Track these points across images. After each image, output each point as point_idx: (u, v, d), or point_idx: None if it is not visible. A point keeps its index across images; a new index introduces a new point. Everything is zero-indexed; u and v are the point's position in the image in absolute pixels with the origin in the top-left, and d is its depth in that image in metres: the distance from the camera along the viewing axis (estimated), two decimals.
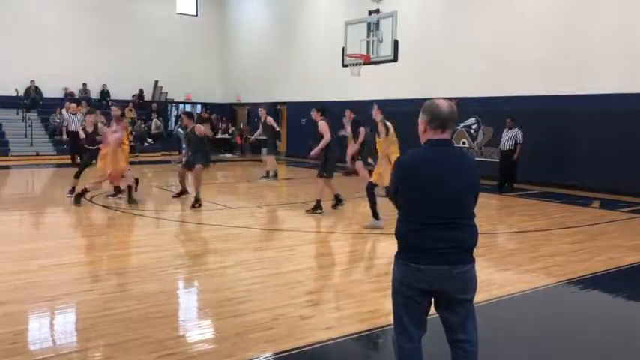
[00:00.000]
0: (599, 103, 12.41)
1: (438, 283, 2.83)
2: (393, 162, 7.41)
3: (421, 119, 2.97)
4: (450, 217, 2.83)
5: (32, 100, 21.99)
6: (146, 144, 22.42)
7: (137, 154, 21.22)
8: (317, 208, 9.68)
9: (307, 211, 9.75)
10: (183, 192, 11.11)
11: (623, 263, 6.65)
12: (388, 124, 8.63)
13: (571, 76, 13.08)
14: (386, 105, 16.60)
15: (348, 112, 11.90)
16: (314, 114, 10.12)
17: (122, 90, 23.67)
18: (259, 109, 15.57)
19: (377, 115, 8.79)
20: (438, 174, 2.85)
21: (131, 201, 10.25)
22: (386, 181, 7.71)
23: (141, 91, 24.41)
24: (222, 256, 6.97)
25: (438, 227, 2.81)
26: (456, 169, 2.89)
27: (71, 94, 22.77)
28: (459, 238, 2.85)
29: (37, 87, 22.28)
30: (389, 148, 8.48)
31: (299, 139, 21.62)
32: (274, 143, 15.18)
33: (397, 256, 2.94)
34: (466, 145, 15.48)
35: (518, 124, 12.95)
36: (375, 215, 8.38)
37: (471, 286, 2.92)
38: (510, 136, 12.95)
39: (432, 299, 2.93)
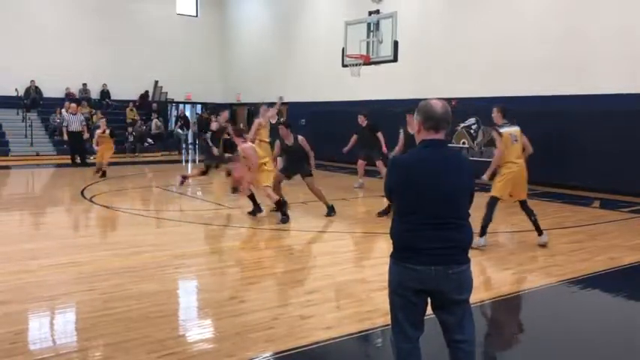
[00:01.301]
0: (599, 103, 12.41)
1: (433, 283, 2.82)
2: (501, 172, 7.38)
3: (415, 120, 2.97)
4: (445, 217, 2.83)
5: (32, 100, 22.00)
6: (146, 144, 22.44)
7: (137, 154, 21.27)
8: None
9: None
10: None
11: (623, 263, 6.64)
12: (500, 130, 7.60)
13: (571, 76, 13.07)
14: (386, 105, 16.65)
15: (223, 114, 12.23)
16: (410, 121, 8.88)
17: (122, 90, 23.69)
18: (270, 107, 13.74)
19: (497, 119, 7.75)
20: (433, 174, 2.85)
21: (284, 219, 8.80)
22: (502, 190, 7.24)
23: (146, 92, 24.43)
24: (223, 256, 6.97)
25: (433, 227, 2.81)
26: (451, 169, 2.90)
27: (71, 94, 22.77)
28: (455, 239, 2.85)
29: (37, 87, 22.28)
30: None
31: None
32: None
33: (393, 256, 2.94)
34: (466, 145, 15.47)
35: (518, 125, 12.91)
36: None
37: (467, 287, 2.92)
38: None
39: (429, 299, 2.93)
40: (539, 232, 7.41)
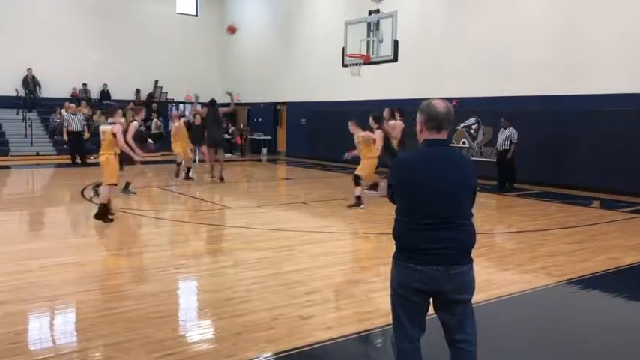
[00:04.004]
0: (599, 103, 12.41)
1: (435, 283, 2.82)
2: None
3: (418, 119, 2.96)
4: (447, 217, 2.82)
5: (32, 95, 21.88)
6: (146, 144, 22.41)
7: None
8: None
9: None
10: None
11: (623, 263, 6.65)
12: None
13: (571, 76, 13.07)
14: (386, 105, 16.66)
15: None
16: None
17: (122, 90, 23.67)
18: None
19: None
20: (435, 174, 2.84)
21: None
22: None
23: (143, 91, 24.40)
24: (222, 256, 6.97)
25: (435, 227, 2.81)
26: (453, 169, 2.89)
27: (77, 94, 22.77)
28: (457, 239, 2.84)
29: (34, 76, 22.05)
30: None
31: (299, 139, 21.63)
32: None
33: (395, 256, 2.94)
34: (466, 145, 15.47)
35: (518, 124, 12.94)
36: None
37: (469, 287, 2.91)
38: (506, 136, 12.95)
39: (431, 299, 2.93)
40: None
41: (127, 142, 8.97)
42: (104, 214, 8.46)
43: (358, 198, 10.08)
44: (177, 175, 14.14)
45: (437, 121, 2.88)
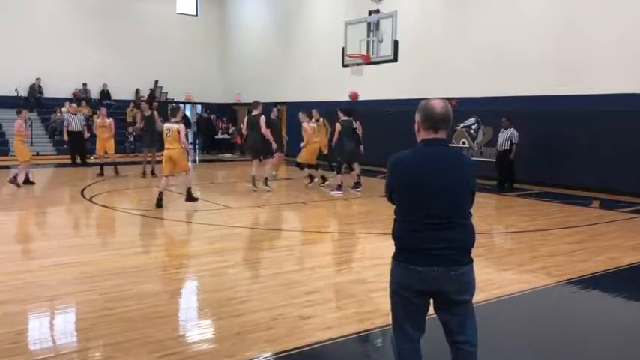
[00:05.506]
0: (599, 103, 12.41)
1: (435, 284, 2.81)
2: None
3: (416, 118, 2.96)
4: (445, 217, 2.81)
5: (37, 100, 21.92)
6: None
7: (137, 154, 21.24)
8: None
9: None
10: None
11: (623, 263, 6.65)
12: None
13: (571, 76, 13.07)
14: (386, 105, 16.65)
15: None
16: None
17: (122, 90, 23.68)
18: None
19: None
20: (433, 174, 2.83)
21: None
22: None
23: (152, 90, 24.38)
24: (222, 256, 6.97)
25: (434, 227, 2.79)
26: (451, 169, 2.87)
27: (78, 94, 22.78)
28: (456, 239, 2.83)
29: (40, 85, 22.18)
30: None
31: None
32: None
33: (394, 257, 2.93)
34: (466, 145, 15.47)
35: (518, 124, 12.94)
36: None
37: (470, 287, 2.90)
38: (506, 136, 12.94)
39: (431, 300, 2.92)
40: None
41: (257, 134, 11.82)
42: (192, 195, 10.10)
43: (309, 176, 12.54)
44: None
45: (433, 121, 2.86)
